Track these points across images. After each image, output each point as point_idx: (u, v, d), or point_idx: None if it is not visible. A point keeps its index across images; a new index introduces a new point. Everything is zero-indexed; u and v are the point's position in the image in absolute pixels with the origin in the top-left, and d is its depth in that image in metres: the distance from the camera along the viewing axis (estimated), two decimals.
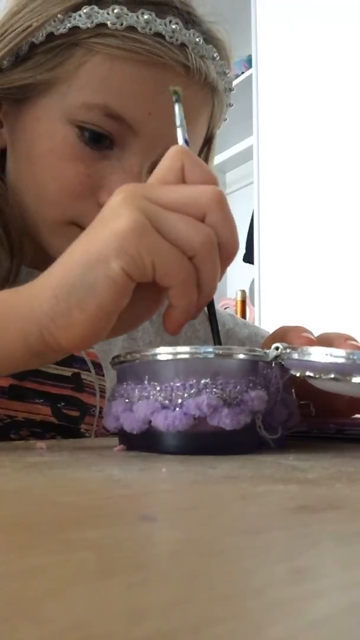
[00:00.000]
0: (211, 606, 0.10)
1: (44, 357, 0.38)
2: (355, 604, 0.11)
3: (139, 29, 0.49)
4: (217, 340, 0.40)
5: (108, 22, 0.49)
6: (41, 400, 0.54)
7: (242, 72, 2.18)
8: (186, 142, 0.42)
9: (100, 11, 0.49)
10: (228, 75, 0.56)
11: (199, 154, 0.60)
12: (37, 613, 0.10)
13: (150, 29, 0.49)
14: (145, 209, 0.35)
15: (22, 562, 0.13)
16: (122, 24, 0.49)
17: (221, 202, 0.37)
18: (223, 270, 0.38)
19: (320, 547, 0.15)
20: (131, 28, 0.49)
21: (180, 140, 0.42)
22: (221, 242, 0.37)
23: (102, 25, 0.49)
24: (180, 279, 0.36)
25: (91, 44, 0.49)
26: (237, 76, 2.19)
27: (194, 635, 0.09)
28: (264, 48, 1.94)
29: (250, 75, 2.01)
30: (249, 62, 2.13)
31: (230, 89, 0.58)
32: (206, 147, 0.61)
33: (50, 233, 0.54)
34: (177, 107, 0.43)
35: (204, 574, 0.12)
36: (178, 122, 0.43)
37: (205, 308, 0.40)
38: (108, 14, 0.49)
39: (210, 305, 0.41)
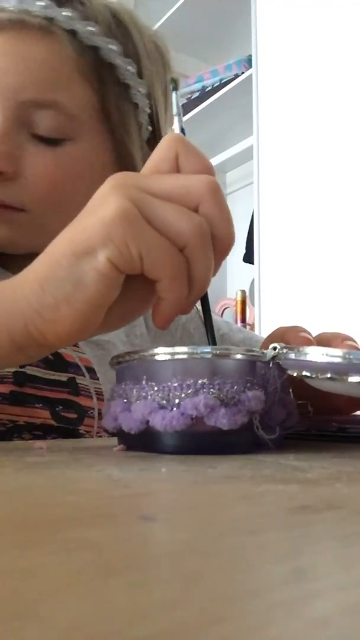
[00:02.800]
0: (211, 606, 0.10)
1: (27, 352, 0.37)
2: (355, 604, 0.11)
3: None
4: (211, 340, 0.39)
5: None
6: (40, 405, 0.55)
7: (242, 72, 2.18)
8: (182, 130, 0.41)
9: None
10: (90, 21, 0.56)
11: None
12: (37, 613, 0.10)
13: None
14: (134, 197, 0.34)
15: (22, 562, 0.13)
16: None
17: (216, 192, 0.35)
18: (218, 264, 0.36)
19: (320, 547, 0.15)
20: None
21: (177, 129, 0.41)
22: (216, 234, 0.35)
23: None
24: (168, 270, 0.34)
25: None
26: (237, 76, 2.19)
27: (194, 635, 0.09)
28: (264, 48, 1.94)
29: (250, 75, 2.01)
30: (249, 62, 2.13)
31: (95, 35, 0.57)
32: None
33: None
34: (174, 96, 0.43)
35: (204, 574, 0.12)
36: (175, 111, 0.42)
37: (199, 304, 0.39)
38: None
39: (205, 301, 0.39)
